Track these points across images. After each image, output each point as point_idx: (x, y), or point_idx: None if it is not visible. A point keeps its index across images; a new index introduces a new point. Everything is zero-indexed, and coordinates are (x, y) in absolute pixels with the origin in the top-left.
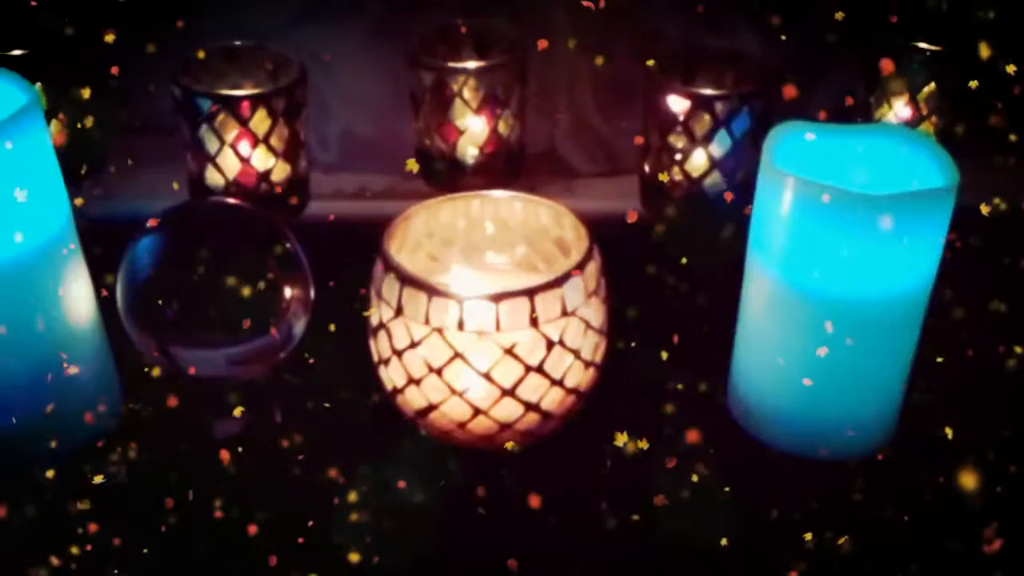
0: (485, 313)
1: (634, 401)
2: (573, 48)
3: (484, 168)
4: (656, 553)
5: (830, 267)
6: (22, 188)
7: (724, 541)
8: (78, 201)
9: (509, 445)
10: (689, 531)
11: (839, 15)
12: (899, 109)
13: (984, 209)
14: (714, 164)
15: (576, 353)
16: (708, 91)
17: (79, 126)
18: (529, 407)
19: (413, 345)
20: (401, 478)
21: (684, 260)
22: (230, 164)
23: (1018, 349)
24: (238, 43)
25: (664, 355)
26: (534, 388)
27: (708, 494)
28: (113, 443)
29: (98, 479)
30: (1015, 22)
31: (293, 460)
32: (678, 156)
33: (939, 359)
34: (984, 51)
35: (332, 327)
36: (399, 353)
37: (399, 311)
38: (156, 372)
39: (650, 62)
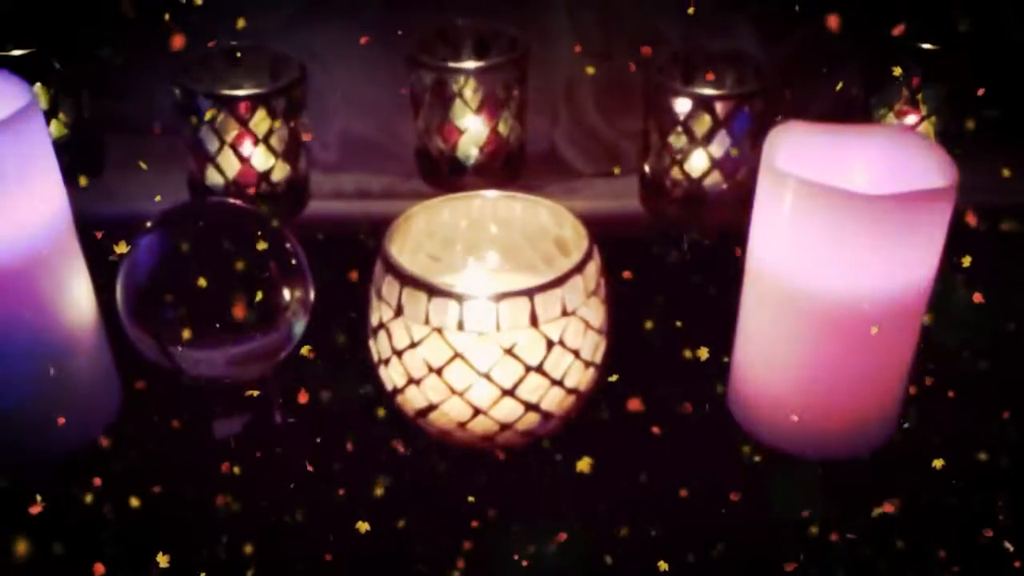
0: (485, 313)
1: (633, 401)
2: (573, 48)
3: (484, 168)
4: (656, 554)
5: (830, 267)
6: (22, 188)
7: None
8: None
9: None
10: (689, 532)
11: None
12: (899, 109)
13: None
14: (714, 164)
15: (576, 353)
16: (708, 91)
17: (79, 126)
18: (529, 407)
19: (413, 345)
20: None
21: (685, 261)
22: (230, 164)
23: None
24: (238, 43)
25: (663, 355)
26: (534, 388)
27: (708, 494)
28: (112, 443)
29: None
30: (1014, 21)
31: (293, 460)
32: (678, 156)
33: (939, 359)
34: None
35: (332, 327)
36: (399, 353)
37: (399, 311)
38: (156, 372)
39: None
